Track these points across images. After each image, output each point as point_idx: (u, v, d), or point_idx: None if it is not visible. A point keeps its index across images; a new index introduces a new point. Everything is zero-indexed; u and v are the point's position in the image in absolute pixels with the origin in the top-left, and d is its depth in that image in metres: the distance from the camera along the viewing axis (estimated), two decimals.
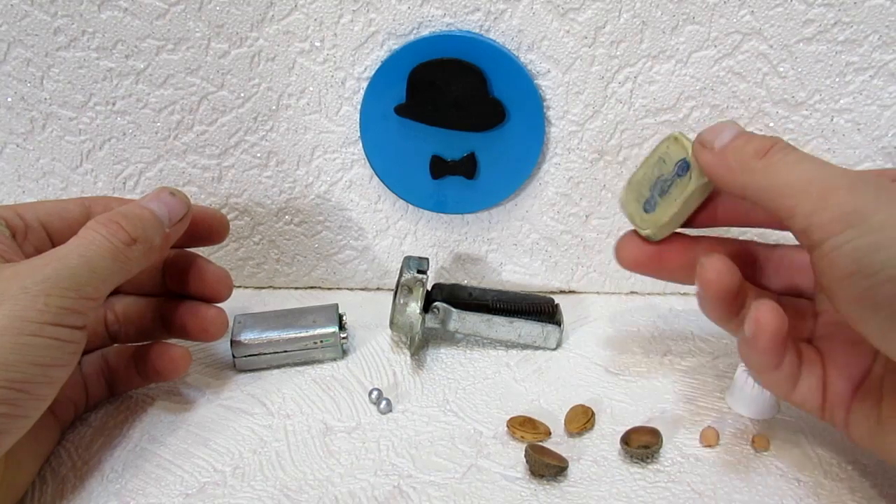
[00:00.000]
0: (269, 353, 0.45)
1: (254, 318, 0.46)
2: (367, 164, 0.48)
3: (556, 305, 0.48)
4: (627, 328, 0.49)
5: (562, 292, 0.52)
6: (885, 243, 0.28)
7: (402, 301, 0.44)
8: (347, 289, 0.54)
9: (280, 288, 0.54)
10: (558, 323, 0.46)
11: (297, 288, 0.54)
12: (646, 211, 0.39)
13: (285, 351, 0.45)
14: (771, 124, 0.45)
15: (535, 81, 0.45)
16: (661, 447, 0.39)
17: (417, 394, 0.43)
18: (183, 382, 0.45)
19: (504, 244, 0.51)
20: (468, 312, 0.45)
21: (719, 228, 0.39)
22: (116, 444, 0.40)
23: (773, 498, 0.36)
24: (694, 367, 0.45)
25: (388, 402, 0.42)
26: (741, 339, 0.35)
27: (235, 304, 0.48)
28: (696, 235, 0.39)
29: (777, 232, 0.40)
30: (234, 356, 0.45)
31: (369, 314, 0.50)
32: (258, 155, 0.48)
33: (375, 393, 0.42)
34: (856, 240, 0.29)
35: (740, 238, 0.41)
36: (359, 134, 0.47)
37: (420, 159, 0.47)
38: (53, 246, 0.37)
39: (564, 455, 0.38)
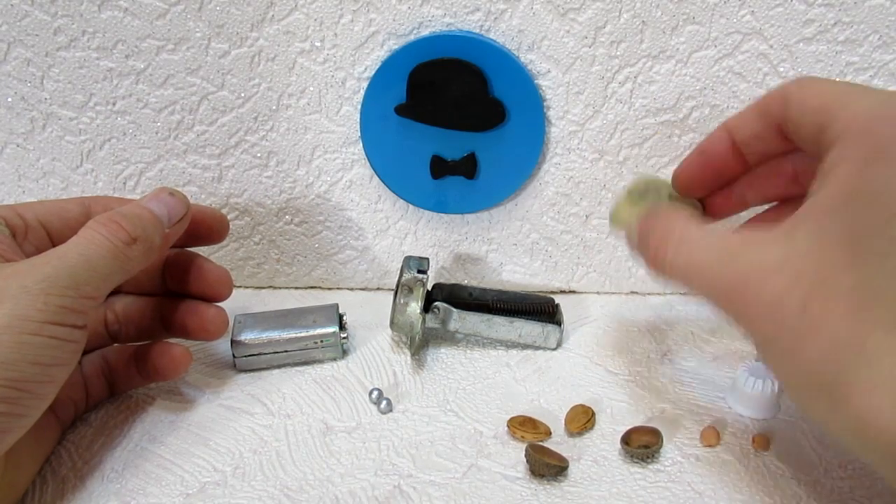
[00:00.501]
0: (270, 353, 0.45)
1: (254, 318, 0.46)
2: (368, 164, 0.48)
3: (557, 305, 0.48)
4: (627, 328, 0.49)
5: (562, 292, 0.52)
6: None
7: (402, 301, 0.44)
8: (347, 289, 0.54)
9: (280, 288, 0.54)
10: (558, 323, 0.46)
11: (297, 288, 0.54)
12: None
13: (285, 351, 0.45)
14: None
15: (536, 81, 0.45)
16: (661, 447, 0.39)
17: (418, 394, 0.43)
18: (183, 382, 0.45)
19: (504, 244, 0.51)
20: (468, 312, 0.45)
21: None
22: (116, 443, 0.40)
23: (773, 498, 0.36)
24: (694, 367, 0.45)
25: (389, 402, 0.42)
26: None
27: (235, 304, 0.48)
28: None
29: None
30: (234, 356, 0.45)
31: (369, 314, 0.50)
32: (258, 155, 0.48)
33: (376, 393, 0.42)
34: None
35: None
36: (359, 134, 0.47)
37: (420, 159, 0.47)
38: (53, 245, 0.37)
39: (565, 455, 0.38)
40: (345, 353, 0.46)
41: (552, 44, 0.44)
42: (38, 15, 0.44)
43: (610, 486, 0.37)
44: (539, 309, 0.47)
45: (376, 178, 0.48)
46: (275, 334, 0.45)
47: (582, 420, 0.40)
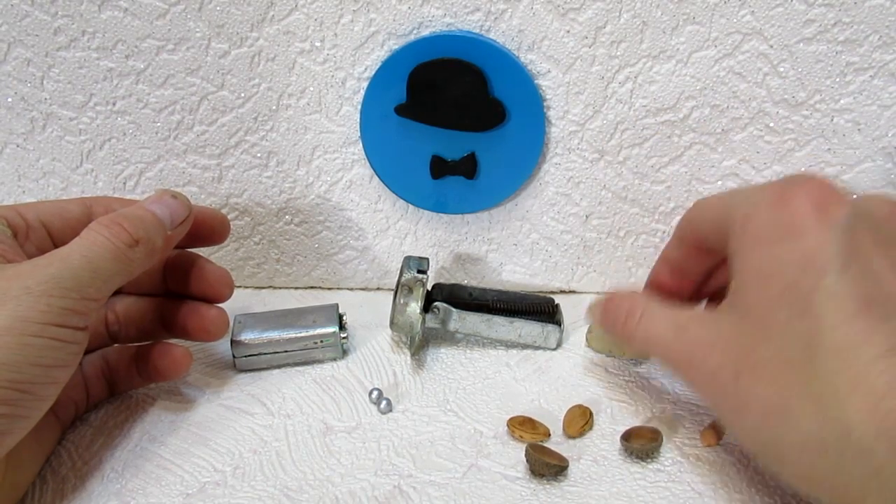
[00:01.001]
0: (270, 353, 0.45)
1: (254, 318, 0.46)
2: (368, 164, 0.48)
3: (557, 305, 0.48)
4: None
5: (562, 292, 0.52)
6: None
7: (402, 301, 0.44)
8: (347, 289, 0.54)
9: (280, 288, 0.54)
10: (558, 323, 0.46)
11: (297, 288, 0.54)
12: None
13: (285, 351, 0.45)
14: (771, 124, 0.45)
15: (536, 81, 0.45)
16: (661, 447, 0.39)
17: (417, 394, 0.43)
18: (183, 382, 0.45)
19: (504, 244, 0.51)
20: (468, 312, 0.45)
21: None
22: (117, 443, 0.40)
23: (773, 498, 0.36)
24: None
25: (389, 402, 0.42)
26: None
27: (235, 304, 0.48)
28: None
29: None
30: (234, 356, 0.45)
31: (369, 314, 0.50)
32: (258, 155, 0.48)
33: (375, 393, 0.43)
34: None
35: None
36: (359, 134, 0.47)
37: (420, 159, 0.47)
38: (55, 246, 0.37)
39: (565, 455, 0.38)
40: (345, 353, 0.46)
41: (552, 44, 0.44)
42: (38, 15, 0.44)
43: (610, 485, 0.37)
44: (539, 309, 0.48)
45: (376, 178, 0.48)
46: (275, 334, 0.45)
47: (580, 423, 0.40)
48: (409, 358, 0.46)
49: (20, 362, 0.31)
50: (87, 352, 0.41)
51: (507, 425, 0.40)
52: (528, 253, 0.51)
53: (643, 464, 0.38)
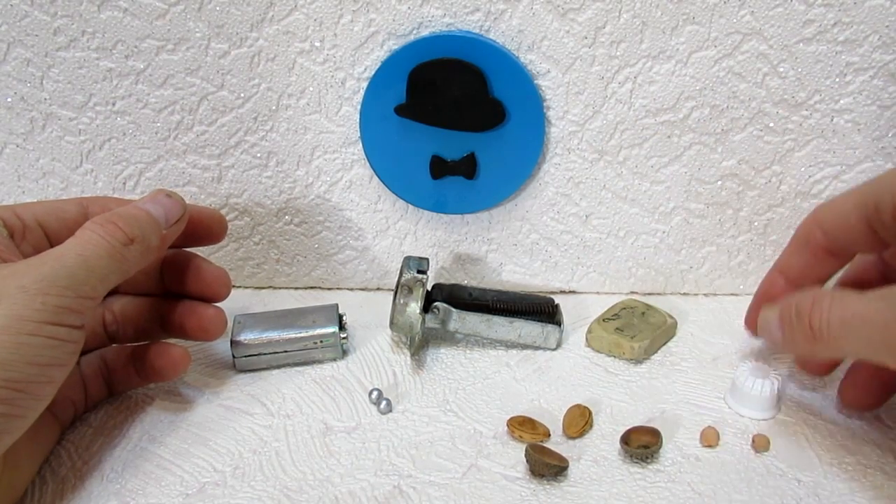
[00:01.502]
0: (269, 354, 0.45)
1: (254, 319, 0.46)
2: (367, 164, 0.48)
3: (556, 305, 0.48)
4: None
5: (562, 292, 0.52)
6: None
7: (402, 301, 0.44)
8: (347, 289, 0.54)
9: (280, 288, 0.54)
10: (558, 323, 0.46)
11: (297, 288, 0.54)
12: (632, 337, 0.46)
13: (285, 351, 0.45)
14: (771, 124, 0.45)
15: (535, 81, 0.45)
16: (661, 447, 0.39)
17: (417, 394, 0.43)
18: (183, 382, 0.45)
19: (504, 244, 0.51)
20: (468, 312, 0.45)
21: None
22: (116, 444, 0.40)
23: (773, 498, 0.36)
24: (694, 367, 0.45)
25: (388, 402, 0.42)
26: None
27: (235, 304, 0.48)
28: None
29: None
30: (234, 356, 0.45)
31: (369, 314, 0.50)
32: (258, 155, 0.48)
33: (375, 393, 0.42)
34: None
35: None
36: (359, 134, 0.47)
37: (420, 159, 0.47)
38: (51, 246, 0.37)
39: (565, 455, 0.38)
40: (345, 353, 0.46)
41: (552, 44, 0.44)
42: (38, 15, 0.44)
43: (610, 486, 0.37)
44: (539, 309, 0.47)
45: (376, 179, 0.48)
46: (275, 334, 0.45)
47: (580, 423, 0.40)
48: (409, 358, 0.46)
49: (16, 361, 0.31)
50: (85, 352, 0.41)
51: (507, 425, 0.40)
52: (527, 253, 0.51)
53: (643, 464, 0.38)
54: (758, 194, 0.48)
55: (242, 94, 0.46)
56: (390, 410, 0.42)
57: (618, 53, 0.44)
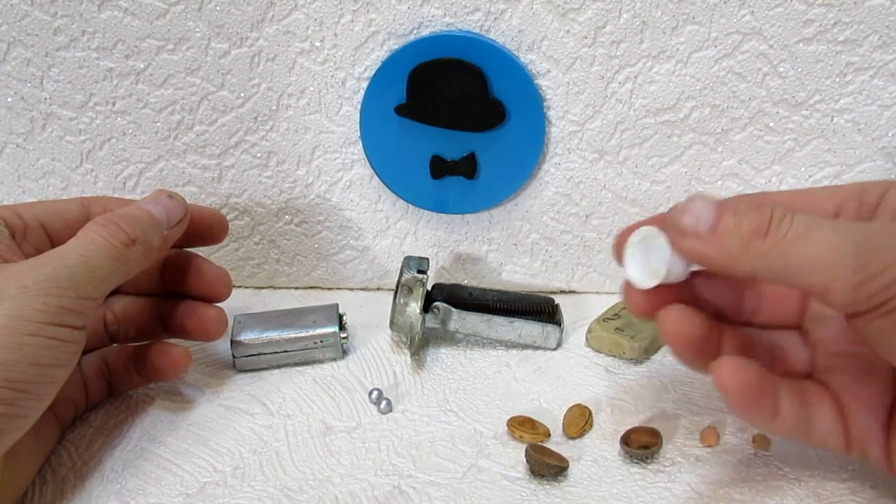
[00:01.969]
0: (269, 353, 0.45)
1: (254, 318, 0.46)
2: (368, 164, 0.48)
3: (556, 305, 0.48)
4: None
5: (562, 292, 0.52)
6: None
7: (402, 301, 0.44)
8: (347, 289, 0.54)
9: (280, 288, 0.54)
10: (558, 323, 0.46)
11: (297, 288, 0.54)
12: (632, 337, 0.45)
13: (285, 351, 0.45)
14: (771, 124, 0.45)
15: (535, 81, 0.45)
16: (661, 447, 0.39)
17: (417, 394, 0.43)
18: (183, 382, 0.45)
19: (504, 244, 0.51)
20: (468, 312, 0.45)
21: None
22: (116, 443, 0.40)
23: (773, 498, 0.36)
24: None
25: (389, 402, 0.42)
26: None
27: (235, 304, 0.48)
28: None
29: None
30: (234, 356, 0.45)
31: (369, 314, 0.50)
32: (258, 155, 0.48)
33: (375, 393, 0.42)
34: None
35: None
36: (359, 134, 0.47)
37: (420, 159, 0.47)
38: (52, 246, 0.37)
39: (565, 455, 0.38)
40: (345, 353, 0.46)
41: (552, 44, 0.44)
42: (38, 15, 0.44)
43: (610, 486, 0.37)
44: (539, 309, 0.47)
45: (376, 178, 0.48)
46: (275, 334, 0.45)
47: (580, 423, 0.40)
48: (409, 358, 0.46)
49: (17, 361, 0.31)
50: (86, 352, 0.41)
51: (507, 425, 0.40)
52: (528, 253, 0.51)
53: (643, 464, 0.38)
54: None
55: (242, 94, 0.46)
56: (390, 410, 0.42)
57: (618, 53, 0.44)
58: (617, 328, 0.46)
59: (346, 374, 0.45)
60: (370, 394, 0.43)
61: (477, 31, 0.44)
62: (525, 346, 0.47)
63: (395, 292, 0.44)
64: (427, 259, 0.46)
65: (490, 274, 0.52)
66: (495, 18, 0.43)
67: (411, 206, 0.49)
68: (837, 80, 0.44)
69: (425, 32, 0.44)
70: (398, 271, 0.45)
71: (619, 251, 0.35)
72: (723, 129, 0.46)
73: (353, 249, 0.52)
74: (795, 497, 0.36)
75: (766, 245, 0.30)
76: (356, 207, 0.50)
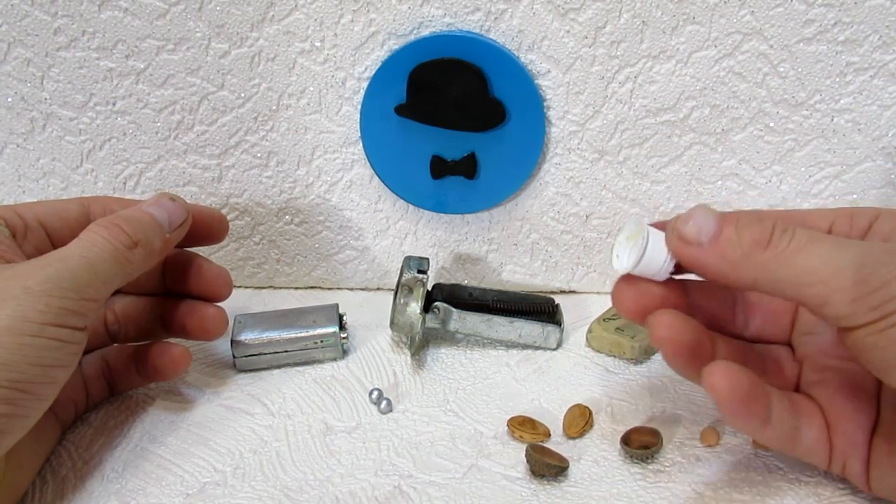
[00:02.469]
0: (270, 353, 0.45)
1: (254, 318, 0.46)
2: (368, 164, 0.48)
3: (557, 305, 0.48)
4: None
5: (562, 292, 0.52)
6: None
7: (402, 301, 0.44)
8: (347, 289, 0.54)
9: (280, 288, 0.54)
10: (559, 323, 0.46)
11: (297, 288, 0.54)
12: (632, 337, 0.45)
13: (285, 351, 0.45)
14: (771, 124, 0.45)
15: (536, 81, 0.45)
16: (661, 447, 0.39)
17: (418, 394, 0.43)
18: (183, 382, 0.45)
19: (504, 244, 0.51)
20: (468, 312, 0.45)
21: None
22: (117, 443, 0.40)
23: (773, 498, 0.36)
24: None
25: (389, 402, 0.42)
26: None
27: (235, 304, 0.48)
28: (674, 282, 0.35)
29: None
30: (234, 356, 0.45)
31: (369, 314, 0.50)
32: (258, 155, 0.48)
33: (376, 393, 0.42)
34: None
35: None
36: (359, 134, 0.47)
37: (420, 159, 0.47)
38: (53, 246, 0.37)
39: (565, 455, 0.38)
40: (345, 353, 0.46)
41: (552, 44, 0.44)
42: (38, 15, 0.44)
43: (610, 486, 0.37)
44: (539, 309, 0.47)
45: (376, 178, 0.48)
46: (275, 334, 0.45)
47: (580, 423, 0.40)
48: (409, 358, 0.46)
49: (19, 362, 0.31)
50: (87, 351, 0.41)
51: (507, 425, 0.40)
52: (528, 253, 0.51)
53: (643, 464, 0.38)
54: (758, 194, 0.48)
55: (243, 94, 0.46)
56: (390, 410, 0.42)
57: (618, 53, 0.44)
58: (617, 328, 0.46)
59: (346, 374, 0.45)
60: (370, 394, 0.43)
61: (477, 31, 0.44)
62: (525, 346, 0.47)
63: (396, 292, 0.45)
64: (427, 259, 0.46)
65: (490, 274, 0.52)
66: (495, 18, 0.43)
67: (411, 206, 0.49)
68: (837, 80, 0.44)
69: (425, 32, 0.44)
70: (398, 271, 0.45)
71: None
72: (723, 129, 0.46)
73: (353, 249, 0.52)
74: (795, 497, 0.36)
75: (767, 256, 0.30)
76: (356, 207, 0.50)
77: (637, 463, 0.38)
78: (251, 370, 0.45)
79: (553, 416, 0.41)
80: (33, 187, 0.50)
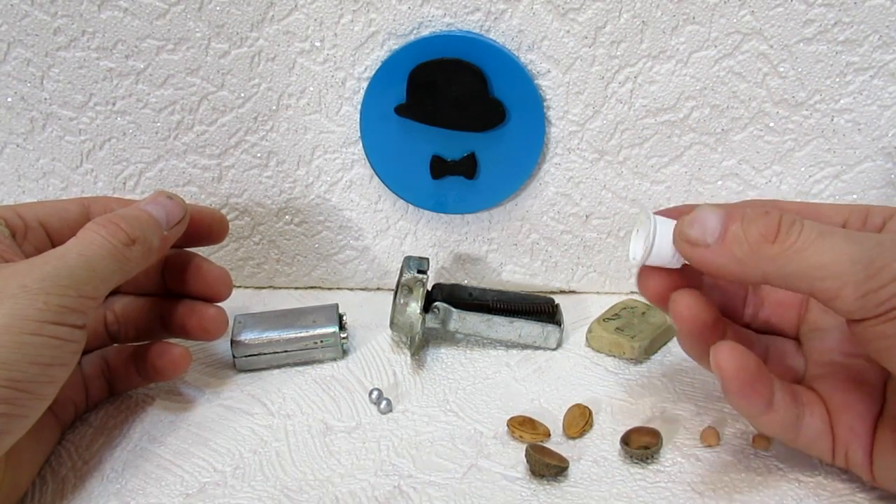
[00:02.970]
0: (270, 353, 0.45)
1: (254, 318, 0.46)
2: (368, 164, 0.48)
3: (557, 305, 0.48)
4: None
5: (562, 292, 0.52)
6: None
7: (402, 301, 0.44)
8: (347, 289, 0.54)
9: (280, 288, 0.54)
10: (558, 323, 0.46)
11: (297, 288, 0.54)
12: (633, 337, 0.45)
13: (285, 351, 0.45)
14: (771, 124, 0.45)
15: (536, 81, 0.45)
16: (661, 447, 0.39)
17: (417, 394, 0.43)
18: (183, 382, 0.45)
19: (504, 244, 0.51)
20: (468, 312, 0.45)
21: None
22: (116, 443, 0.40)
23: (773, 498, 0.36)
24: (694, 366, 0.45)
25: (389, 402, 0.42)
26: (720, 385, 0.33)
27: (235, 304, 0.48)
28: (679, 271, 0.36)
29: None
30: (234, 356, 0.45)
31: (369, 314, 0.50)
32: (258, 155, 0.48)
33: (375, 393, 0.42)
34: None
35: None
36: (359, 134, 0.47)
37: (420, 159, 0.47)
38: (53, 246, 0.37)
39: (565, 455, 0.38)
40: (345, 353, 0.46)
41: (552, 44, 0.44)
42: (38, 15, 0.44)
43: (610, 486, 0.37)
44: (539, 309, 0.47)
45: (376, 178, 0.48)
46: (275, 334, 0.45)
47: (580, 423, 0.40)
48: (409, 358, 0.46)
49: (18, 361, 0.31)
50: (86, 351, 0.41)
51: (507, 425, 0.40)
52: (528, 253, 0.51)
53: (643, 464, 0.38)
54: (758, 194, 0.48)
55: (243, 94, 0.46)
56: (390, 410, 0.42)
57: (618, 53, 0.44)
58: (617, 328, 0.46)
59: (346, 374, 0.45)
60: (370, 394, 0.43)
61: (477, 31, 0.44)
62: (525, 346, 0.47)
63: (395, 292, 0.44)
64: (427, 259, 0.46)
65: (490, 274, 0.52)
66: (495, 18, 0.43)
67: (411, 206, 0.49)
68: (837, 80, 0.44)
69: (425, 32, 0.44)
70: (398, 271, 0.45)
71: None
72: (723, 129, 0.46)
73: (353, 249, 0.52)
74: (795, 497, 0.36)
75: (774, 250, 0.30)
76: (356, 207, 0.50)
77: (637, 463, 0.38)
78: (251, 370, 0.45)
79: (553, 416, 0.41)
80: (33, 187, 0.50)
